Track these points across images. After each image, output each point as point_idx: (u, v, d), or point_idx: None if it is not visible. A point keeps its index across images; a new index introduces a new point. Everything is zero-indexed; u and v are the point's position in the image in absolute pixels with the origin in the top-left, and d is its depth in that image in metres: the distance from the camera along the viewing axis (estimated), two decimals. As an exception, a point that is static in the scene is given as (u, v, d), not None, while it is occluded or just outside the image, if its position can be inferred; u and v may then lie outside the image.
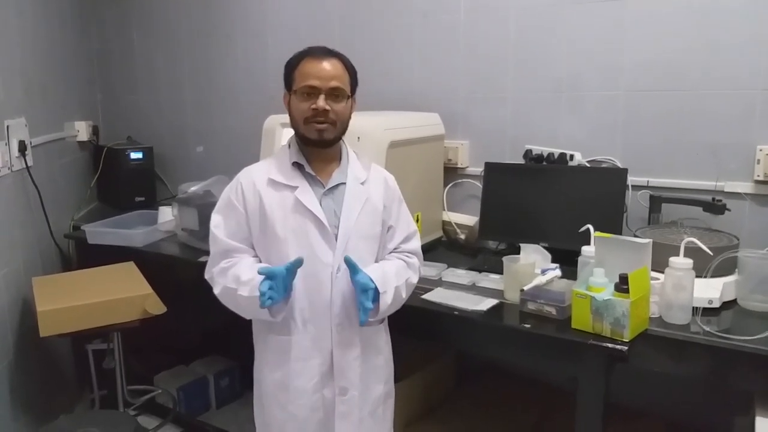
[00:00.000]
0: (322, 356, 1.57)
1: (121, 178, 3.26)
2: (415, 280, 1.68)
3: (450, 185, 2.54)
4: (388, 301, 1.55)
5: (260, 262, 1.58)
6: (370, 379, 1.63)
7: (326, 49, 1.57)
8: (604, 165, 2.22)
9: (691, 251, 1.60)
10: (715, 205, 1.97)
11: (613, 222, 1.97)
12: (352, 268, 1.49)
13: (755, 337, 1.48)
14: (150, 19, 3.39)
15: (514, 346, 1.75)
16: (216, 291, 1.57)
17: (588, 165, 2.22)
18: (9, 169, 2.43)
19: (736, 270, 1.73)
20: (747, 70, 1.96)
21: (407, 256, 1.68)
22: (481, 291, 1.92)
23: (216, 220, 1.59)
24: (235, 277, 1.53)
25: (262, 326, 1.63)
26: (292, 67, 1.57)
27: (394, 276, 1.59)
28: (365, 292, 1.48)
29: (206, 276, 1.60)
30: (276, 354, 1.61)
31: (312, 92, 1.52)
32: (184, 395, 2.89)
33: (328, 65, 1.53)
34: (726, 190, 2.03)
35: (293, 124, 1.59)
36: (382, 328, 1.68)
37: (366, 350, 1.61)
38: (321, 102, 1.51)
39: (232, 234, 1.58)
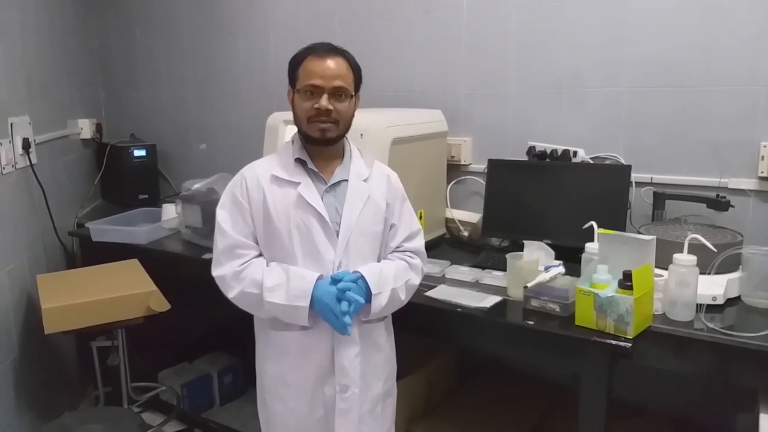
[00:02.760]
0: (323, 353, 1.57)
1: (125, 176, 3.28)
2: (416, 281, 1.67)
3: (453, 182, 2.54)
4: (382, 303, 1.55)
5: (265, 258, 1.59)
6: (371, 376, 1.63)
7: (330, 46, 1.56)
8: (607, 162, 2.22)
9: (695, 248, 1.60)
10: (719, 202, 1.96)
11: (616, 219, 1.97)
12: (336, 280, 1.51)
13: (759, 333, 1.48)
14: (152, 17, 3.40)
15: (517, 343, 1.75)
16: (230, 294, 1.57)
17: (591, 162, 2.21)
18: (13, 166, 2.43)
19: (740, 267, 1.73)
20: (750, 67, 1.95)
21: (410, 257, 1.67)
22: (484, 288, 1.92)
23: (222, 216, 1.59)
24: (254, 281, 1.53)
25: (264, 322, 1.64)
26: (296, 64, 1.57)
27: (392, 278, 1.58)
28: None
29: (214, 274, 1.59)
30: (277, 349, 1.61)
31: (315, 91, 1.52)
32: (187, 392, 2.90)
33: (332, 64, 1.52)
34: (730, 186, 2.02)
35: (296, 122, 1.59)
36: (383, 326, 1.67)
37: (366, 348, 1.61)
38: (324, 102, 1.51)
39: (238, 229, 1.58)
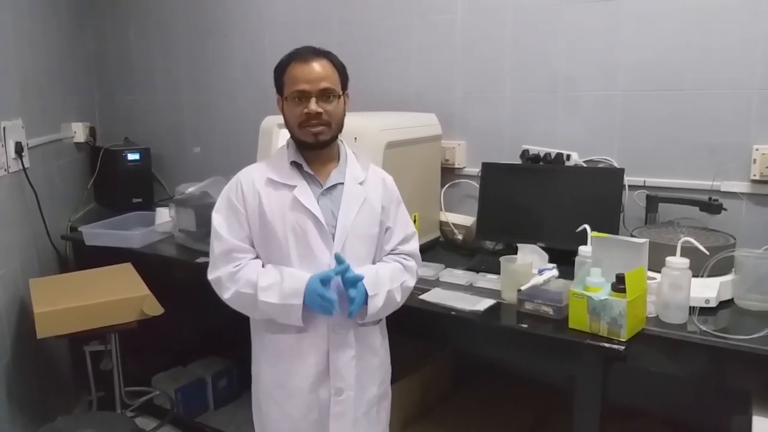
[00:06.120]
0: (318, 356, 1.57)
1: (118, 180, 3.26)
2: (411, 283, 1.68)
3: (447, 185, 2.55)
4: (378, 304, 1.55)
5: (262, 262, 1.59)
6: (366, 380, 1.63)
7: (313, 49, 1.56)
8: (600, 165, 2.23)
9: (688, 251, 1.61)
10: (711, 205, 1.97)
11: (610, 222, 1.97)
12: (340, 262, 1.51)
13: (752, 336, 1.48)
14: (147, 20, 3.39)
15: (511, 346, 1.75)
16: (226, 296, 1.57)
17: (585, 165, 2.22)
18: (6, 170, 2.42)
19: (733, 269, 1.74)
20: (743, 70, 1.96)
21: (405, 259, 1.68)
22: (478, 291, 1.92)
23: (218, 220, 1.59)
24: (249, 282, 1.53)
25: (260, 325, 1.63)
26: (280, 72, 1.57)
27: (388, 279, 1.59)
28: (354, 285, 1.50)
29: (210, 277, 1.59)
30: (273, 353, 1.61)
31: (303, 96, 1.52)
32: (181, 396, 2.89)
33: (316, 66, 1.52)
34: (722, 189, 2.03)
35: (288, 129, 1.59)
36: (378, 330, 1.68)
37: (362, 351, 1.61)
38: (313, 106, 1.51)
39: (234, 233, 1.58)
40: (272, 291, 1.51)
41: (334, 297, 1.48)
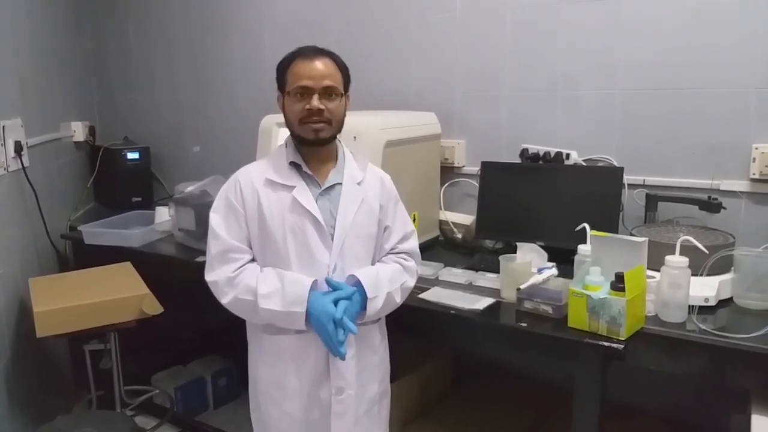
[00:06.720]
0: (318, 356, 1.57)
1: (118, 179, 3.27)
2: (411, 283, 1.68)
3: (447, 184, 2.55)
4: (377, 306, 1.56)
5: (259, 263, 1.59)
6: (366, 378, 1.63)
7: (317, 48, 1.57)
8: (600, 164, 2.23)
9: (687, 250, 1.61)
10: (711, 204, 1.97)
11: (609, 221, 1.98)
12: (335, 287, 1.53)
13: (751, 335, 1.48)
14: (146, 19, 3.39)
15: (510, 345, 1.75)
16: (224, 300, 1.56)
17: (584, 164, 2.22)
18: (5, 169, 2.42)
19: (732, 268, 1.74)
20: (742, 69, 1.96)
21: (404, 259, 1.68)
22: (477, 290, 1.92)
23: (215, 220, 1.59)
24: (248, 288, 1.53)
25: (257, 326, 1.63)
26: (283, 68, 1.57)
27: (388, 281, 1.59)
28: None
29: (208, 279, 1.58)
30: (271, 353, 1.61)
31: (305, 92, 1.52)
32: (181, 395, 2.89)
33: (320, 64, 1.53)
34: (722, 188, 2.03)
35: (288, 125, 1.59)
36: (377, 328, 1.68)
37: (361, 349, 1.61)
38: (315, 102, 1.51)
39: (232, 233, 1.57)
40: (273, 298, 1.51)
41: (344, 351, 1.50)
